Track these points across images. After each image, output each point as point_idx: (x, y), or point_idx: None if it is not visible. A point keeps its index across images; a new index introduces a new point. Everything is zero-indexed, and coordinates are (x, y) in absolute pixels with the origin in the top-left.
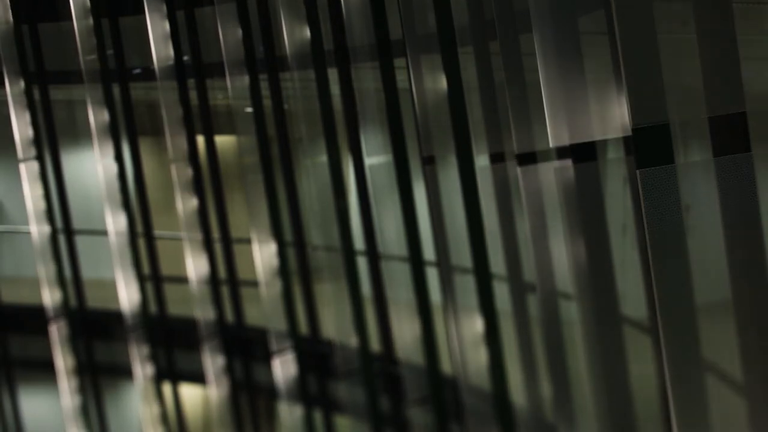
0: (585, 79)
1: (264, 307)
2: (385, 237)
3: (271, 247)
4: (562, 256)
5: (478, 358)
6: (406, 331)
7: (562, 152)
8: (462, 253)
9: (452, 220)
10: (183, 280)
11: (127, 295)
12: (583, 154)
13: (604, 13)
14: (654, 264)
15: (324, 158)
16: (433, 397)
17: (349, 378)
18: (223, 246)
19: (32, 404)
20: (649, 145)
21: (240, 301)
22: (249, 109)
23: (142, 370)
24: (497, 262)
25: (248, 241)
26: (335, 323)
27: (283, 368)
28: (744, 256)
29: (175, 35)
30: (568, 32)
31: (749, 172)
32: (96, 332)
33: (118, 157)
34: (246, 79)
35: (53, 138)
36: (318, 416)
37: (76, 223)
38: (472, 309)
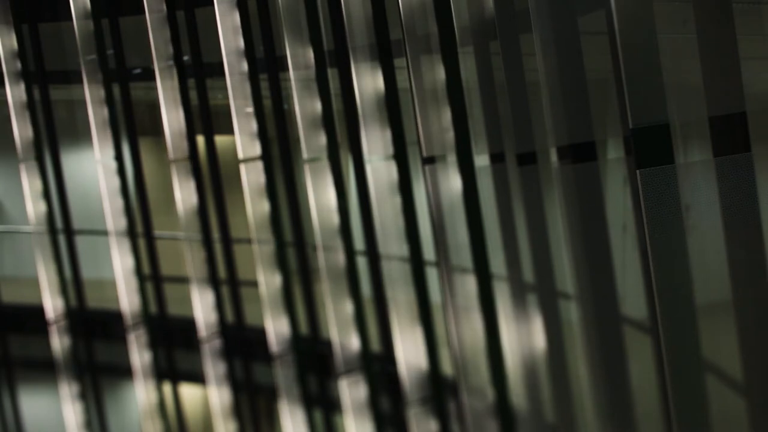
0: (585, 79)
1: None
2: (385, 237)
3: None
4: (562, 256)
5: (478, 358)
6: (406, 331)
7: (562, 152)
8: (462, 253)
9: (452, 220)
10: (183, 279)
11: (127, 295)
12: (583, 154)
13: (604, 13)
14: (654, 264)
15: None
16: (434, 398)
17: (348, 378)
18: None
19: (32, 404)
20: (649, 145)
21: (240, 302)
22: (249, 109)
23: (143, 369)
24: (497, 262)
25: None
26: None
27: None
28: (744, 256)
29: (175, 35)
30: (568, 32)
31: (749, 172)
32: (96, 332)
33: (118, 157)
34: (246, 79)
35: (53, 138)
36: None
37: (76, 223)
38: (472, 309)
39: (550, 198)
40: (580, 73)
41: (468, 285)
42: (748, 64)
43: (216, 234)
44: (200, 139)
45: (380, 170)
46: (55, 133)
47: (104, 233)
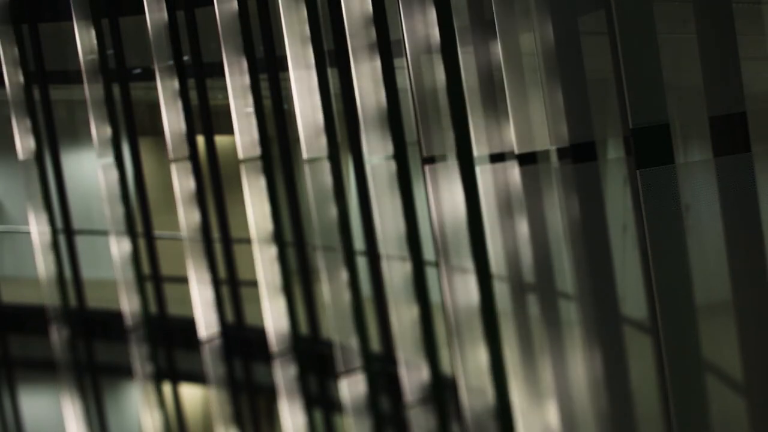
0: (585, 79)
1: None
2: (385, 237)
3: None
4: (562, 256)
5: (478, 358)
6: (406, 332)
7: (562, 152)
8: (462, 253)
9: (452, 220)
10: (182, 280)
11: (127, 295)
12: (583, 154)
13: (604, 13)
14: (654, 264)
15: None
16: (434, 398)
17: (348, 378)
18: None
19: (32, 404)
20: (649, 145)
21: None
22: (249, 109)
23: (143, 369)
24: (498, 262)
25: None
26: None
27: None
28: (744, 256)
29: (175, 35)
30: (568, 32)
31: (749, 172)
32: (96, 332)
33: (118, 157)
34: (246, 79)
35: (53, 138)
36: None
37: (76, 223)
38: (471, 309)
39: (550, 198)
40: (580, 73)
41: (468, 285)
42: (748, 64)
43: (216, 234)
44: (200, 139)
45: (380, 170)
46: (55, 133)
47: (104, 233)
